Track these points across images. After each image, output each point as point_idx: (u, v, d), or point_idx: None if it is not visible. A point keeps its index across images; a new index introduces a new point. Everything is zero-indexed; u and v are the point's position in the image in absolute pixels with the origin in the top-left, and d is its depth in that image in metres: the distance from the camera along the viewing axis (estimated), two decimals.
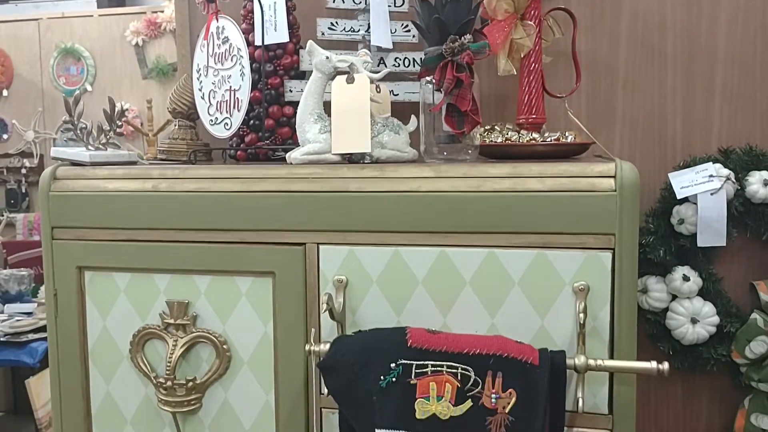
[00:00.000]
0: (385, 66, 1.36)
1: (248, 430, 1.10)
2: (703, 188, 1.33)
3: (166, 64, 3.59)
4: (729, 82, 1.43)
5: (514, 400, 0.90)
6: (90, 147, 1.22)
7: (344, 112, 1.11)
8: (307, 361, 1.06)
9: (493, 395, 0.90)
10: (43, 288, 1.66)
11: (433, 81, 1.12)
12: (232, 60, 1.31)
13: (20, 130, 3.66)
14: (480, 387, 0.91)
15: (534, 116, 1.30)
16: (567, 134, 1.24)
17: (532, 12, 1.28)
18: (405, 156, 1.16)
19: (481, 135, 1.24)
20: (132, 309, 1.14)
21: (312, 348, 0.99)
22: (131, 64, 3.68)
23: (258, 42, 1.36)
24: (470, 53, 1.09)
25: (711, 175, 1.33)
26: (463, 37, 1.08)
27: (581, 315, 0.93)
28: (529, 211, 0.97)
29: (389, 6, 1.35)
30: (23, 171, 3.71)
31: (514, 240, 0.98)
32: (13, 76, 3.80)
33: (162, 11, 3.61)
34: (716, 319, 1.38)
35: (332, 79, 1.14)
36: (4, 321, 2.53)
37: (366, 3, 1.35)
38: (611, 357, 0.96)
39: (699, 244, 1.35)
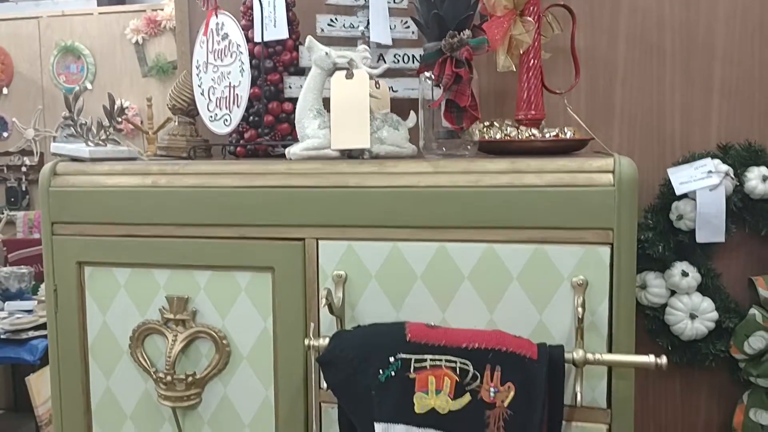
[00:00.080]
0: (385, 62, 1.36)
1: (248, 424, 1.11)
2: (701, 184, 1.33)
3: (166, 62, 3.60)
4: (727, 78, 1.43)
5: (512, 394, 0.90)
6: (90, 143, 1.23)
7: (343, 108, 1.11)
8: (307, 356, 1.06)
9: (492, 389, 0.90)
10: (43, 286, 1.67)
11: (432, 77, 1.12)
12: (231, 56, 1.31)
13: (20, 128, 3.67)
14: (479, 381, 0.91)
15: (533, 112, 1.30)
16: (566, 130, 1.24)
17: (531, 8, 1.28)
18: (404, 151, 1.16)
19: (480, 131, 1.24)
20: (132, 304, 1.15)
21: (311, 343, 0.99)
22: (131, 63, 3.68)
23: (257, 38, 1.36)
24: (469, 49, 1.09)
25: (710, 171, 1.33)
26: (462, 33, 1.09)
27: (579, 309, 0.93)
28: (528, 207, 0.98)
29: (388, 2, 1.36)
30: (23, 169, 3.72)
31: (512, 235, 0.98)
32: (13, 74, 3.80)
33: (162, 9, 3.61)
34: (715, 315, 1.38)
35: (331, 74, 1.14)
36: (4, 318, 2.53)
37: None
38: (609, 352, 0.96)
39: (698, 240, 1.35)
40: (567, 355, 0.92)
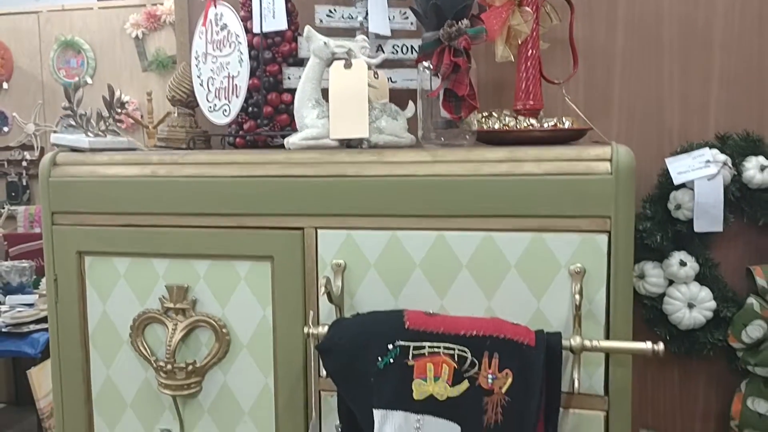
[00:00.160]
0: (383, 53, 1.36)
1: (247, 412, 1.11)
2: (700, 174, 1.33)
3: (166, 56, 3.59)
4: (726, 68, 1.43)
5: (510, 380, 0.91)
6: (89, 133, 1.23)
7: (342, 98, 1.11)
8: (306, 344, 1.07)
9: (490, 376, 0.91)
10: (44, 280, 1.67)
11: (431, 66, 1.13)
12: (230, 47, 1.31)
13: (20, 122, 3.67)
14: (477, 368, 0.92)
15: (531, 102, 1.31)
16: (564, 120, 1.24)
17: None
18: (402, 141, 1.17)
19: (478, 121, 1.24)
20: (132, 293, 1.15)
21: (310, 331, 1.00)
22: (131, 57, 3.67)
23: (256, 29, 1.36)
24: (467, 38, 1.09)
25: (708, 161, 1.34)
26: (460, 22, 1.09)
27: (577, 297, 0.93)
28: (526, 195, 0.98)
29: None
30: (24, 163, 3.72)
31: (510, 223, 0.99)
32: (13, 68, 3.80)
33: (162, 3, 3.61)
34: (713, 304, 1.39)
35: (330, 64, 1.14)
36: (5, 312, 2.54)
37: None
38: (607, 339, 0.96)
39: (696, 230, 1.36)
40: (564, 342, 0.92)
